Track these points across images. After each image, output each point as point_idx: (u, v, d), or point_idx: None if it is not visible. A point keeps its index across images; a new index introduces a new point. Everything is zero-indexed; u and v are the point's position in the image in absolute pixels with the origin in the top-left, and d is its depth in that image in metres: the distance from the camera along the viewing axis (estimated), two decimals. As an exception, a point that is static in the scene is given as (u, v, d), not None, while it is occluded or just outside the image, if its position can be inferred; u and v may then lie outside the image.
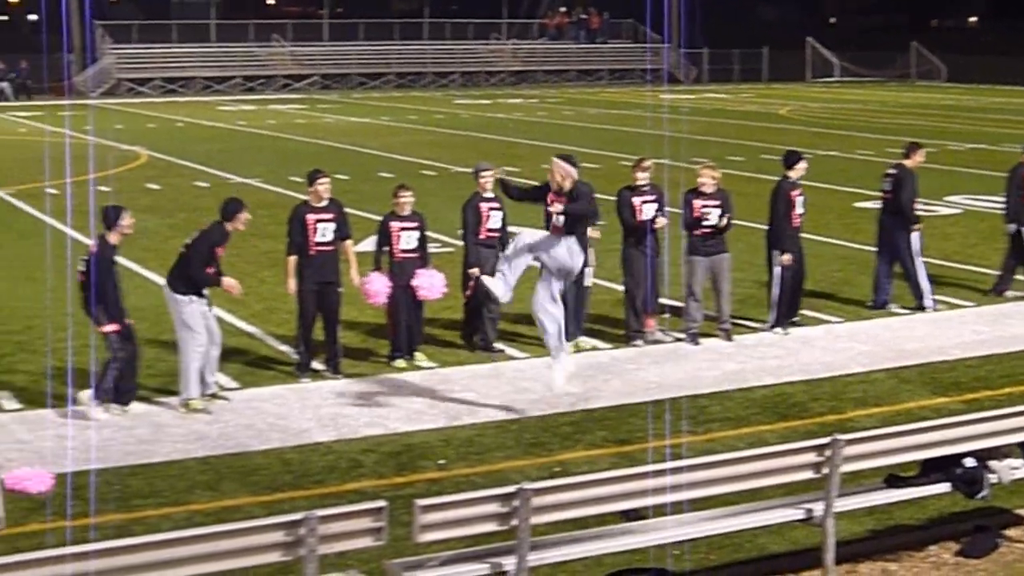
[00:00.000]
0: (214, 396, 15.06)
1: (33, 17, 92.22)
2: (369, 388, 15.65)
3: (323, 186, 16.11)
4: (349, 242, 16.26)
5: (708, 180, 17.71)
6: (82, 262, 14.55)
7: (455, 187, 32.01)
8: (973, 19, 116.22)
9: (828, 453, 10.13)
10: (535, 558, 9.29)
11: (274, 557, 8.62)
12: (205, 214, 15.76)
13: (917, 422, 11.37)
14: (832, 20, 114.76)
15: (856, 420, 14.40)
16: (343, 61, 79.02)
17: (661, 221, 17.43)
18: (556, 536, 9.76)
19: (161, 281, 20.26)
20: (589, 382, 15.90)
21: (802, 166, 18.61)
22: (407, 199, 16.67)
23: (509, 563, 9.18)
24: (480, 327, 17.34)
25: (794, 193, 18.37)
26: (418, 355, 16.76)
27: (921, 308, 19.46)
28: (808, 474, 10.28)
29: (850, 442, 10.24)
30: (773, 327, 18.27)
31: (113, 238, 14.46)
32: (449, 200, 29.20)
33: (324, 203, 16.05)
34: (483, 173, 17.25)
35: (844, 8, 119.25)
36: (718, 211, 17.54)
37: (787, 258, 18.16)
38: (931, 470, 11.03)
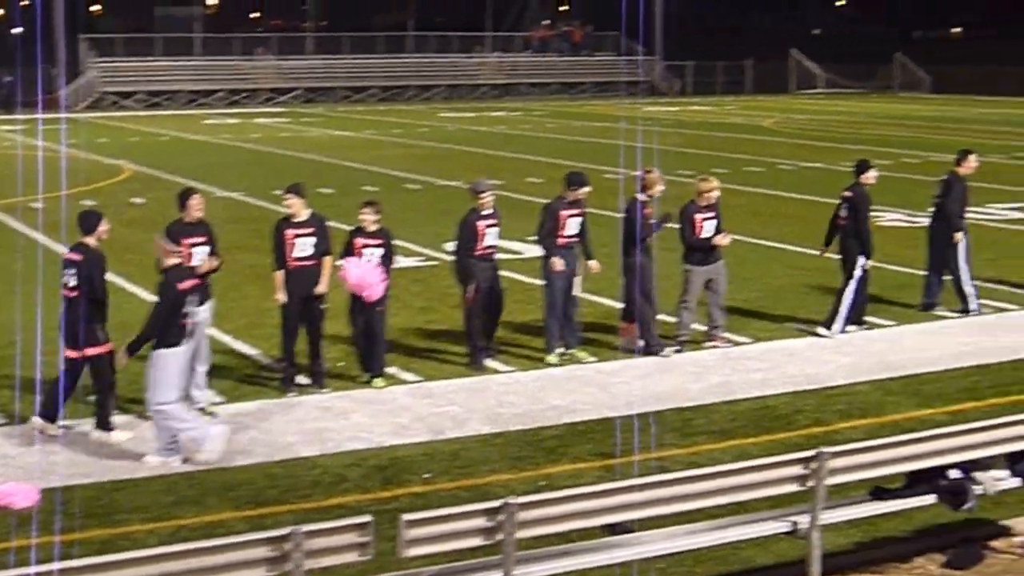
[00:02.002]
0: (202, 411, 15.04)
1: (17, 30, 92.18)
2: (354, 402, 15.63)
3: (288, 201, 16.11)
4: (328, 258, 16.18)
5: (707, 192, 17.85)
6: (68, 276, 14.20)
7: (439, 200, 32.08)
8: (956, 30, 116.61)
9: (813, 466, 10.13)
10: (520, 572, 9.27)
11: (260, 572, 8.59)
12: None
13: (902, 434, 11.36)
14: (816, 32, 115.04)
15: (841, 432, 14.39)
16: (327, 74, 79.11)
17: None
18: (542, 550, 9.74)
19: (144, 295, 20.28)
20: (573, 395, 15.90)
21: (873, 173, 19.03)
22: (368, 216, 16.57)
23: (495, 577, 9.18)
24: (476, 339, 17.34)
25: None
26: (376, 381, 16.44)
27: (966, 312, 19.80)
28: (793, 487, 10.27)
29: (835, 455, 10.24)
30: (842, 329, 18.70)
31: (92, 242, 14.32)
32: (434, 214, 29.27)
33: (304, 218, 16.05)
34: (483, 194, 17.30)
35: (827, 20, 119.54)
36: (715, 222, 17.75)
37: (869, 263, 18.74)
38: (916, 482, 11.04)
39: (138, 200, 32.93)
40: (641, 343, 17.65)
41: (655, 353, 17.54)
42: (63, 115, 60.78)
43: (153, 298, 14.58)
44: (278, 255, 16.03)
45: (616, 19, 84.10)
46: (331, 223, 16.76)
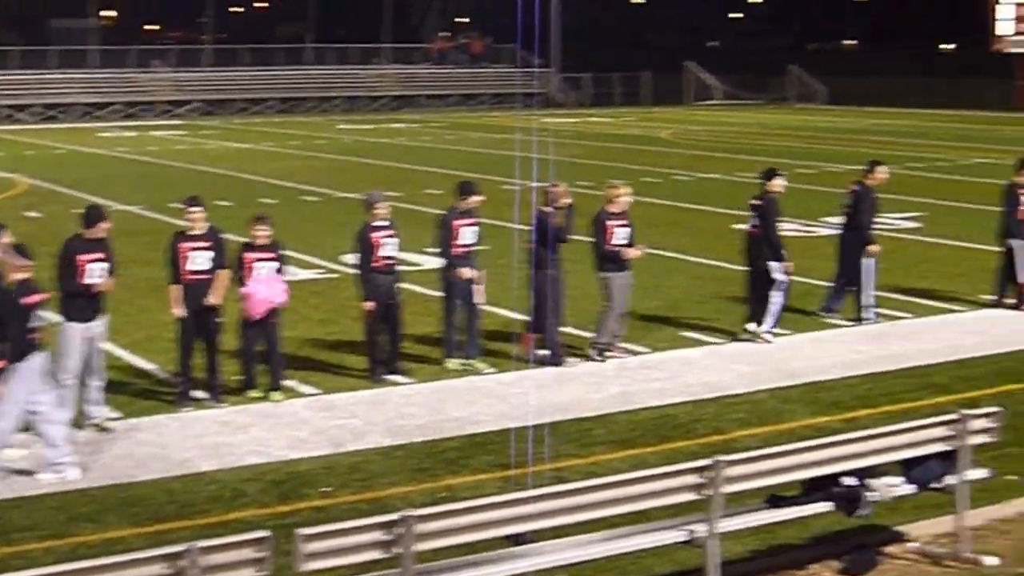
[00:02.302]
0: (98, 427, 14.90)
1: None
2: (252, 416, 15.55)
3: (193, 214, 16.05)
4: (224, 272, 16.08)
5: (617, 198, 18.11)
6: None
7: (336, 212, 32.00)
8: (851, 42, 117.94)
9: (710, 474, 10.19)
10: (420, 585, 9.26)
11: (156, 589, 8.52)
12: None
13: (798, 442, 11.47)
14: (712, 44, 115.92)
15: (739, 440, 14.49)
16: (225, 86, 78.64)
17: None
18: (441, 562, 9.72)
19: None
20: (473, 406, 15.91)
21: (780, 181, 19.47)
22: (260, 231, 16.56)
23: (394, 590, 9.16)
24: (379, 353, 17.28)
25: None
26: (274, 395, 16.34)
27: (859, 321, 20.16)
28: (691, 495, 10.33)
29: (732, 463, 10.31)
30: (766, 332, 19.07)
31: None
32: (332, 226, 29.19)
33: (200, 231, 15.98)
34: (377, 204, 17.28)
35: (724, 32, 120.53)
36: (627, 230, 18.04)
37: (791, 265, 19.05)
38: (812, 489, 11.14)
39: (33, 214, 32.55)
40: (539, 353, 17.71)
41: (559, 364, 17.60)
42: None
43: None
44: (173, 269, 15.93)
45: (514, 31, 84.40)
46: (228, 236, 16.66)
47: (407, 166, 44.69)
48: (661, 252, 25.28)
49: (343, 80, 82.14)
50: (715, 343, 18.94)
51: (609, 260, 18.03)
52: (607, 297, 18.08)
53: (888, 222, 29.15)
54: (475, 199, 17.83)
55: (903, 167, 42.47)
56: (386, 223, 17.28)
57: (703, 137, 57.80)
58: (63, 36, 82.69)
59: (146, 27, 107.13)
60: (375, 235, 17.14)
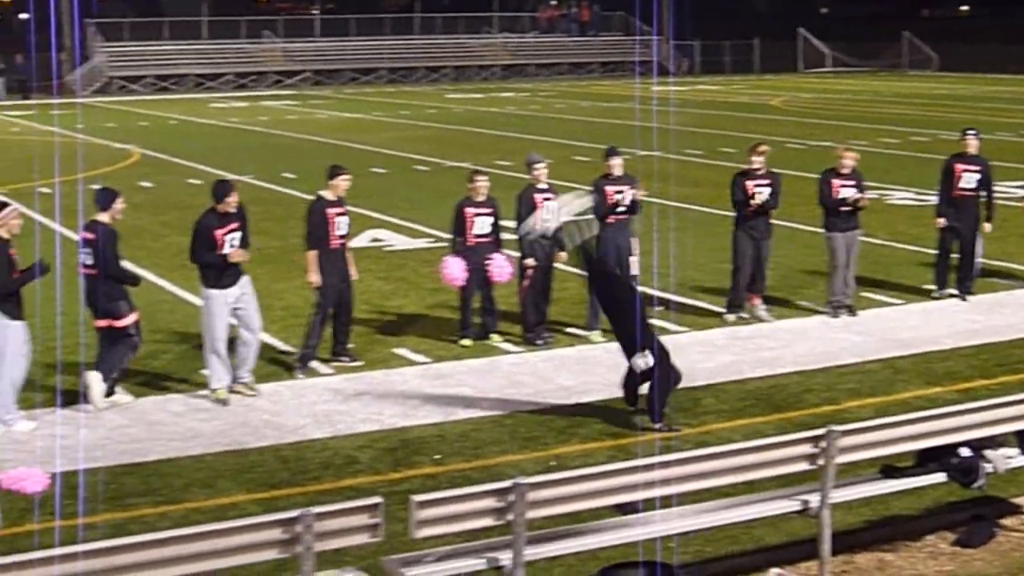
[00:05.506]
0: (247, 387, 15.21)
1: (24, 16, 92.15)
2: (364, 384, 15.64)
3: (346, 182, 16.43)
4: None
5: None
6: (84, 254, 14.46)
7: (447, 181, 32.04)
8: (964, 8, 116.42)
9: (823, 444, 10.13)
10: (531, 552, 9.29)
11: (271, 554, 8.61)
12: (198, 211, 15.76)
13: (912, 412, 11.35)
14: (823, 10, 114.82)
15: (850, 411, 14.39)
16: (335, 57, 78.97)
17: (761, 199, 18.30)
18: (552, 530, 9.75)
19: (153, 279, 20.26)
20: (584, 375, 15.90)
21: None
22: (483, 184, 17.17)
23: (505, 558, 9.19)
24: (540, 319, 17.43)
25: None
26: (494, 336, 17.31)
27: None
28: (803, 465, 10.27)
29: (845, 433, 10.24)
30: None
31: (106, 218, 14.53)
32: (440, 195, 29.25)
33: (335, 197, 16.25)
34: (536, 165, 17.43)
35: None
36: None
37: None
38: (927, 460, 11.04)
39: (147, 184, 32.87)
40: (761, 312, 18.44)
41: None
42: (70, 100, 60.66)
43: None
44: (316, 235, 16.06)
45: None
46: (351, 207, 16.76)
47: (517, 136, 44.66)
48: (775, 221, 25.13)
49: (452, 50, 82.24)
50: (827, 313, 18.75)
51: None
52: (831, 256, 18.47)
53: (1002, 190, 28.74)
54: (616, 160, 17.70)
55: (1018, 134, 41.88)
56: (546, 186, 17.41)
57: (814, 105, 57.25)
58: (175, 7, 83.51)
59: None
60: (537, 197, 17.23)
